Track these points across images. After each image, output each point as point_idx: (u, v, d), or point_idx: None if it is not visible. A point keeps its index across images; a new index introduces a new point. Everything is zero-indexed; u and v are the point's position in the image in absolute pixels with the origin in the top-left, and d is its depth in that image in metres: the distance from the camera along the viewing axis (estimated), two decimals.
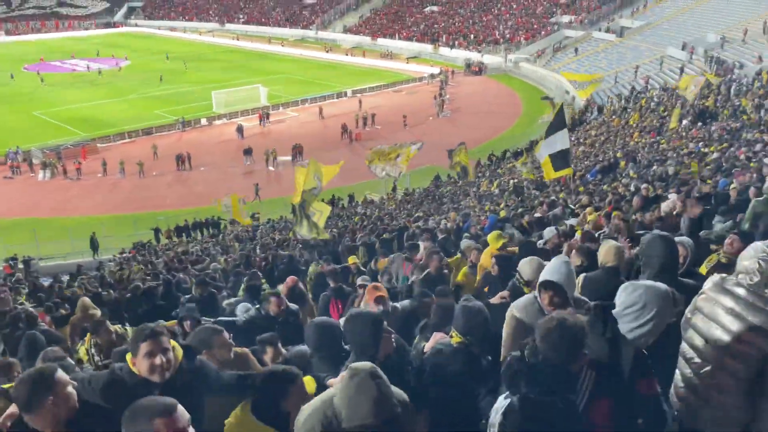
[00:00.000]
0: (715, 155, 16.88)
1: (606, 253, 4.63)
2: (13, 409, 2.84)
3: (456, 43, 64.59)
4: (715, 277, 3.01)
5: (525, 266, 4.58)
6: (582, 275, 4.64)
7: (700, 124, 25.58)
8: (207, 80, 55.48)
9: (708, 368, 2.85)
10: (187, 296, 8.40)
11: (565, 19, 59.40)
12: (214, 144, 39.67)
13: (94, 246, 24.42)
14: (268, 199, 29.89)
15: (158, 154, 36.08)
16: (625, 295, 2.91)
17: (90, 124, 42.95)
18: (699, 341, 2.90)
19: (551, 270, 3.49)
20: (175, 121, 43.23)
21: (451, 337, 3.47)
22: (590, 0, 60.53)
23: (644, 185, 13.25)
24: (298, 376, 3.17)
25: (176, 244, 24.63)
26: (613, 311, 2.88)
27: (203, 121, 44.18)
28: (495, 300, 4.77)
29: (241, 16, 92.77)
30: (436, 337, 3.66)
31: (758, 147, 15.00)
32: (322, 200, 17.59)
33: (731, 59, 36.74)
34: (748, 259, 2.82)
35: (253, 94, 47.59)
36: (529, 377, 2.46)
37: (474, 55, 60.08)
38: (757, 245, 2.82)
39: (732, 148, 17.59)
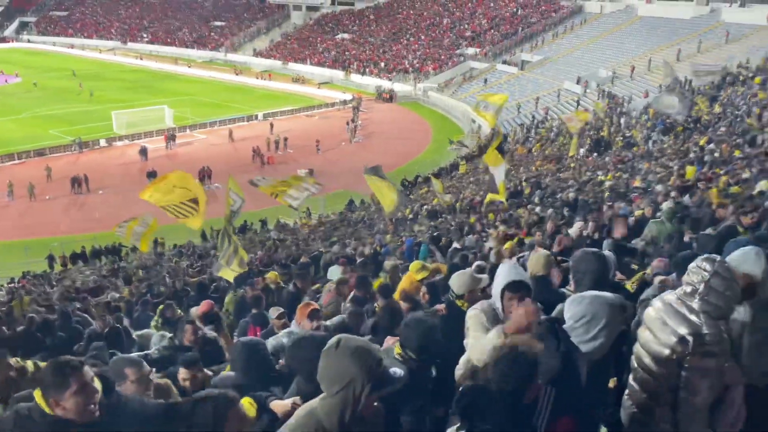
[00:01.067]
0: (609, 183, 18.00)
1: (536, 262, 4.67)
2: None
3: (367, 70, 65.57)
4: (665, 292, 3.12)
5: (455, 280, 4.47)
6: None
7: (595, 154, 27.35)
8: (108, 100, 52.71)
9: (648, 379, 2.91)
10: (90, 328, 7.75)
11: (470, 51, 61.95)
12: (115, 166, 37.62)
13: None
14: (172, 225, 28.58)
15: (52, 176, 33.71)
16: (572, 308, 2.85)
17: None
18: (642, 353, 2.97)
19: (511, 273, 3.39)
20: (71, 141, 40.68)
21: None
22: (493, 34, 63.57)
23: (550, 210, 13.89)
24: (235, 399, 2.83)
25: (72, 271, 22.96)
26: (564, 326, 2.82)
27: (102, 142, 41.86)
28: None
29: (144, 35, 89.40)
30: (389, 342, 3.49)
31: (650, 177, 16.14)
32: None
33: (621, 93, 39.68)
34: (687, 272, 2.93)
35: (158, 115, 45.75)
36: (483, 409, 2.33)
37: (385, 83, 61.18)
38: (697, 260, 2.93)
39: (626, 175, 18.87)
